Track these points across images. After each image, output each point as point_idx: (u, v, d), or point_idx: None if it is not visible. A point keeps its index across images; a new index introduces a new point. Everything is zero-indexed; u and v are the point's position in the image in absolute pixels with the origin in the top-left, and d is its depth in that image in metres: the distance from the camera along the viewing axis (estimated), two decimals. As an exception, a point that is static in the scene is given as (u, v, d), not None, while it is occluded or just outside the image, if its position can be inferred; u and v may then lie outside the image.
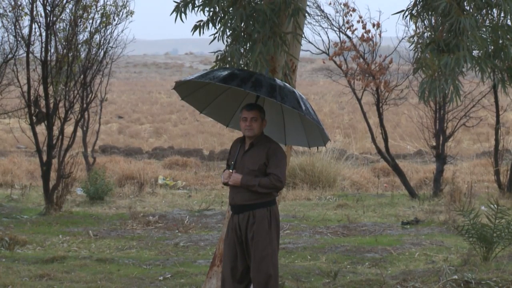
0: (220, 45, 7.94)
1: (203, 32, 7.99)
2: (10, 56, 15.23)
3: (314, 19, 17.42)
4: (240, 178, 7.24)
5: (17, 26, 14.91)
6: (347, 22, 17.24)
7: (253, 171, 7.24)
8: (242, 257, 7.36)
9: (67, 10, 14.88)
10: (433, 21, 7.45)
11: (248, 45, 7.84)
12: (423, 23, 7.55)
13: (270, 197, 7.31)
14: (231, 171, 7.31)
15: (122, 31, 18.93)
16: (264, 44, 7.69)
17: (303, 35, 8.53)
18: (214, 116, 7.91)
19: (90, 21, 15.26)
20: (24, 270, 10.00)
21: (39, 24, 14.69)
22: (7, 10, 14.90)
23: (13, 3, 14.83)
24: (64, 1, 14.73)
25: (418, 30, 7.81)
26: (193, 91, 7.65)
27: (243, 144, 7.40)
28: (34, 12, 14.61)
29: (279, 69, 8.15)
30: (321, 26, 17.52)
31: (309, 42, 17.30)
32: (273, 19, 7.70)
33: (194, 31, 7.98)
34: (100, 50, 15.71)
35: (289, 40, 8.10)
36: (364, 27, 17.21)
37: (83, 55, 15.35)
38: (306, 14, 8.47)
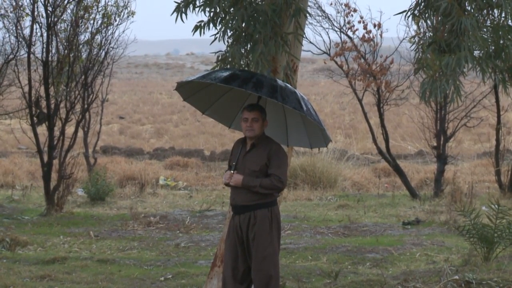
0: (221, 46, 7.94)
1: (204, 33, 7.98)
2: (11, 56, 15.24)
3: (315, 19, 17.43)
4: (241, 179, 7.24)
5: (18, 27, 14.92)
6: (348, 23, 17.23)
7: (254, 172, 7.24)
8: (243, 258, 7.36)
9: (68, 11, 14.89)
10: (434, 21, 7.45)
11: (249, 45, 7.83)
12: (426, 23, 7.54)
13: (271, 197, 7.31)
14: (232, 171, 7.31)
15: (123, 31, 18.95)
16: (265, 45, 7.69)
17: (304, 36, 8.52)
18: (217, 117, 7.90)
19: (91, 21, 15.27)
20: (25, 271, 10.00)
21: (40, 24, 14.69)
22: (9, 11, 14.91)
23: (14, 3, 14.84)
24: (65, 1, 14.73)
25: (420, 31, 7.81)
26: (195, 92, 7.64)
27: (244, 145, 7.39)
28: (35, 13, 14.61)
29: (280, 69, 8.14)
30: (322, 26, 17.52)
31: (310, 42, 17.30)
32: (274, 19, 7.70)
33: (195, 31, 7.98)
34: (101, 50, 15.71)
35: (290, 40, 8.09)
36: (365, 28, 17.20)
37: (84, 55, 15.35)
38: (307, 15, 8.46)
